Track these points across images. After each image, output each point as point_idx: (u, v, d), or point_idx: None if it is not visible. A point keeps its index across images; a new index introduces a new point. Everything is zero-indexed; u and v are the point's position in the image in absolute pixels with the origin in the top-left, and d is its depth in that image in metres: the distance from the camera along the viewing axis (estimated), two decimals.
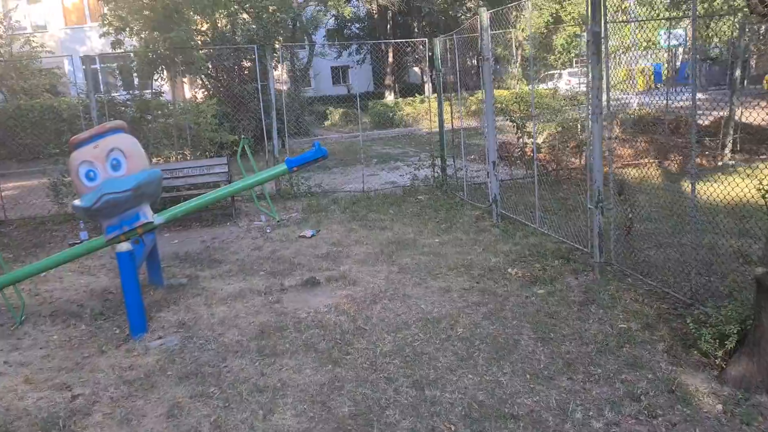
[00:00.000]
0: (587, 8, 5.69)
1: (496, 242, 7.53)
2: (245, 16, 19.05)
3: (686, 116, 16.04)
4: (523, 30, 17.76)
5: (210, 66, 18.08)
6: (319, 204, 10.65)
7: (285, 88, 28.50)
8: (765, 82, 21.48)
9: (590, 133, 5.80)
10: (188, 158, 11.22)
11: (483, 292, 5.82)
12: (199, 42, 17.53)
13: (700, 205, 8.15)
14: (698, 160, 13.28)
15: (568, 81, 24.61)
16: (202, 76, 18.44)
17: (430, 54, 13.35)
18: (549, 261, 6.54)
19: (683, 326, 4.67)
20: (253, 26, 18.59)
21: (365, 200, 10.75)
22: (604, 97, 5.75)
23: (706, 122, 16.30)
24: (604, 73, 5.69)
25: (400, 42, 13.65)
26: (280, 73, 27.14)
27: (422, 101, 29.48)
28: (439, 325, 5.13)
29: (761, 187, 3.92)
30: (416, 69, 46.80)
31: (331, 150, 19.89)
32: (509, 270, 6.36)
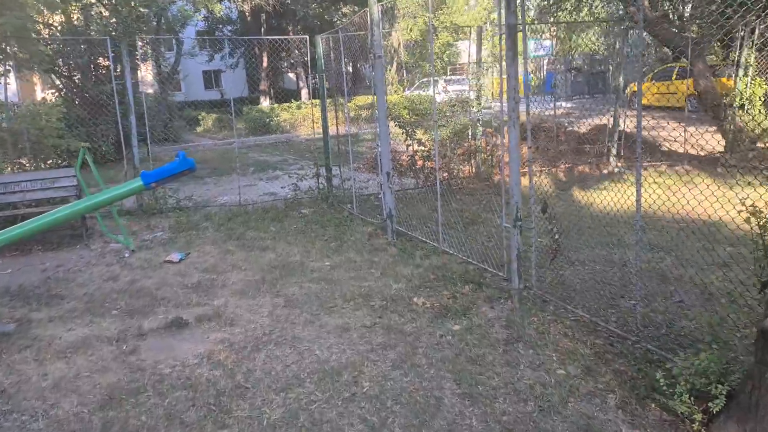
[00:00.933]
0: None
1: (395, 264, 6.65)
2: (102, 10, 17.10)
3: (564, 124, 16.16)
4: (411, 30, 17.21)
5: (60, 63, 16.05)
6: (190, 221, 9.32)
7: (151, 90, 26.40)
8: (628, 90, 22.38)
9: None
10: (28, 169, 9.50)
11: (388, 330, 4.90)
12: (46, 35, 15.47)
13: (596, 214, 7.77)
14: (582, 168, 13.31)
15: (444, 87, 24.58)
16: (53, 75, 16.34)
17: (307, 59, 12.39)
18: (458, 287, 5.74)
19: (626, 368, 3.99)
20: (113, 20, 16.71)
21: (243, 215, 9.55)
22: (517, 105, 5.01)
23: (583, 130, 16.52)
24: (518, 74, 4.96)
25: (277, 39, 12.52)
26: (144, 74, 25.06)
27: (299, 107, 28.40)
28: (339, 379, 4.15)
29: (744, 208, 3.28)
30: (291, 75, 45.58)
31: (204, 158, 18.33)
32: (415, 299, 5.49)
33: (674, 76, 22.30)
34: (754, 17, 12.24)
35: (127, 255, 7.64)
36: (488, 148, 11.99)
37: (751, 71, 12.49)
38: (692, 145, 13.04)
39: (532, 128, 14.21)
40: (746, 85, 12.60)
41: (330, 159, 10.55)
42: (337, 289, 5.94)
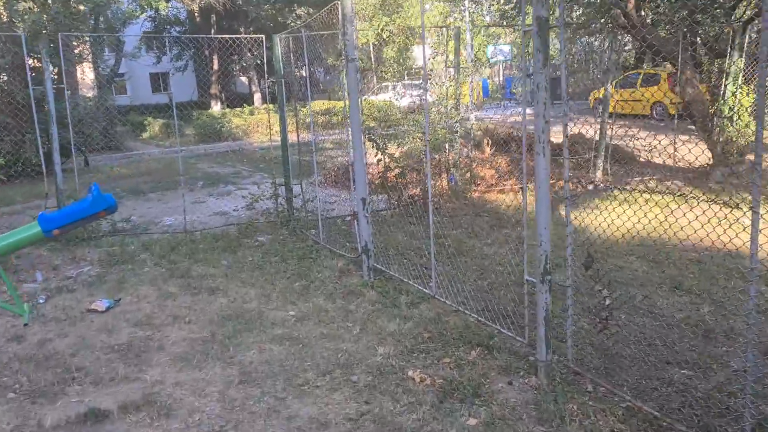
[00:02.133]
0: None
1: (377, 315, 5.40)
2: (31, 4, 15.37)
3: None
4: (383, 30, 16.07)
5: None
6: (125, 251, 7.89)
7: (91, 94, 24.54)
8: (591, 98, 21.65)
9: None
10: None
11: (381, 425, 3.64)
12: None
13: (597, 242, 6.62)
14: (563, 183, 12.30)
15: (403, 93, 23.53)
16: None
17: (259, 62, 11.11)
18: (461, 351, 4.53)
19: None
20: (44, 17, 15.05)
21: (189, 244, 8.15)
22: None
23: (556, 139, 15.49)
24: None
25: (228, 40, 11.15)
26: (81, 76, 23.27)
27: (251, 112, 26.95)
28: None
29: None
30: (243, 78, 43.94)
31: (148, 169, 16.61)
32: (410, 372, 4.25)
33: (639, 83, 21.73)
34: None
35: (42, 301, 6.20)
36: (464, 160, 10.90)
37: (740, 79, 11.68)
38: (670, 155, 12.20)
39: (505, 139, 13.20)
40: (734, 93, 11.80)
41: (290, 176, 9.21)
42: (307, 355, 4.66)
